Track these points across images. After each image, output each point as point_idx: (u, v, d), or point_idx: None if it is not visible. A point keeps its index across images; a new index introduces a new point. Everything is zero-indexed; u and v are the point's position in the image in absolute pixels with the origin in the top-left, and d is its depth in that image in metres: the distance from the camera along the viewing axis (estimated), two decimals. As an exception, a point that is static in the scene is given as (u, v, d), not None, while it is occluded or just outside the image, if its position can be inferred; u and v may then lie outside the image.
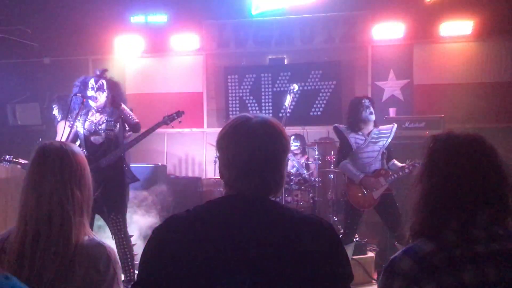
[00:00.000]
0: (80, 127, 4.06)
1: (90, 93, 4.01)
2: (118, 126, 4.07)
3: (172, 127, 4.39)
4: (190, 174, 7.40)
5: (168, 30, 7.28)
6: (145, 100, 7.20)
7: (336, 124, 4.67)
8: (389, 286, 1.37)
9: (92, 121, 4.06)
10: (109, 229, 4.01)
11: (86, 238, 1.66)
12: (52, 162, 1.66)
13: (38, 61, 7.70)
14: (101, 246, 1.66)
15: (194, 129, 7.42)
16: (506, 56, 6.54)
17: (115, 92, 4.11)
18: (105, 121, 4.05)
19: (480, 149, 1.43)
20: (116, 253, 1.73)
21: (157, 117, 6.83)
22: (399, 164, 4.36)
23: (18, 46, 7.42)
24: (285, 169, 1.43)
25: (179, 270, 1.27)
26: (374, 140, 4.42)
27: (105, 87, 4.05)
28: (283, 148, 1.40)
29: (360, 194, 4.39)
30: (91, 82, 4.04)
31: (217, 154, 1.45)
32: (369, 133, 4.44)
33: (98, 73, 4.14)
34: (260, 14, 7.16)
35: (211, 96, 7.49)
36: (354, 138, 4.44)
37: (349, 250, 4.49)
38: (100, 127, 4.04)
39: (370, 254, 5.18)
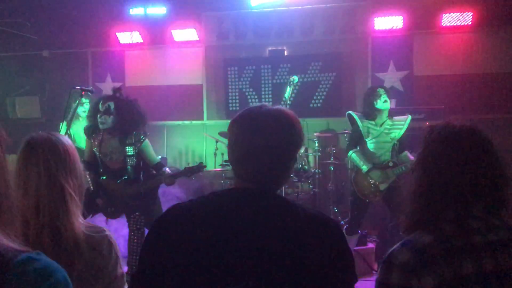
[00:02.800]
0: (97, 147, 3.94)
1: (98, 118, 3.82)
2: (136, 154, 3.89)
3: (192, 178, 4.43)
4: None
5: (167, 22, 7.25)
6: (144, 92, 7.19)
7: (349, 111, 4.61)
8: (387, 278, 1.37)
9: (106, 144, 3.92)
10: (128, 225, 4.00)
11: (84, 225, 1.68)
12: (39, 152, 1.65)
13: (37, 54, 7.67)
14: (101, 231, 1.70)
15: (194, 122, 7.42)
16: (507, 47, 6.51)
17: (124, 115, 3.82)
18: (118, 148, 3.89)
19: (476, 140, 1.43)
20: (113, 236, 1.74)
21: (157, 110, 6.89)
22: (411, 157, 4.30)
23: (17, 39, 7.40)
24: (291, 163, 1.38)
25: (178, 261, 1.26)
26: (386, 131, 4.37)
27: (111, 111, 3.79)
28: (292, 141, 1.36)
29: (366, 185, 4.37)
30: (100, 105, 3.85)
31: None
32: (382, 124, 4.38)
33: (111, 92, 3.94)
34: (259, 5, 7.13)
35: (210, 89, 7.48)
36: (367, 127, 4.39)
37: (353, 241, 4.50)
38: (113, 155, 3.91)
39: (371, 245, 5.20)
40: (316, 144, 5.99)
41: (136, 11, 7.36)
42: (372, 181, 4.34)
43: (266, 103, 1.42)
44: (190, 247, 1.26)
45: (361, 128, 4.40)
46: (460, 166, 1.39)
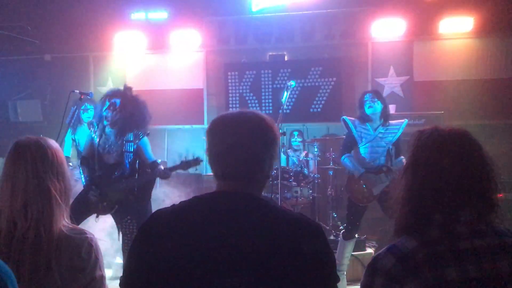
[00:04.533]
0: (96, 138, 3.97)
1: (104, 112, 3.87)
2: (133, 150, 3.91)
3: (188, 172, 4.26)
4: (190, 171, 7.40)
5: (169, 26, 7.29)
6: (146, 97, 7.15)
7: (344, 116, 4.62)
8: (370, 283, 1.37)
9: (106, 137, 3.96)
10: (120, 229, 3.98)
11: (66, 227, 1.70)
12: (26, 155, 1.69)
13: (39, 58, 7.71)
14: (82, 234, 1.72)
15: (194, 126, 7.44)
16: (507, 53, 6.54)
17: (128, 114, 3.88)
18: (118, 142, 3.91)
19: (464, 144, 1.42)
20: (97, 240, 1.76)
21: (158, 114, 6.90)
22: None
23: (19, 43, 7.44)
24: (267, 164, 1.41)
25: (163, 266, 1.28)
26: (381, 135, 4.36)
27: (117, 106, 3.85)
28: (267, 141, 1.40)
29: (359, 189, 4.37)
30: (107, 98, 3.91)
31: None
32: (376, 128, 4.39)
33: (121, 89, 3.99)
34: (260, 10, 7.17)
35: (211, 93, 7.51)
36: (361, 132, 4.39)
37: (350, 246, 4.50)
38: (113, 147, 3.93)
39: (369, 250, 5.20)
40: (316, 149, 6.00)
41: (137, 15, 7.39)
42: (364, 186, 4.33)
43: (240, 109, 1.50)
44: (173, 252, 1.28)
45: (354, 133, 4.42)
46: (448, 171, 1.38)
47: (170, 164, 7.18)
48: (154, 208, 5.35)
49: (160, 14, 7.33)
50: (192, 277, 1.25)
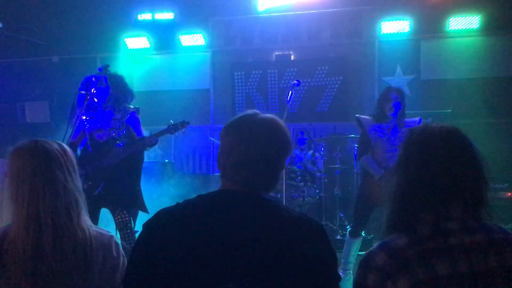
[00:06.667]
0: (87, 123, 4.05)
1: (92, 90, 3.95)
2: (124, 125, 4.01)
3: (175, 136, 4.20)
4: (197, 171, 7.44)
5: (175, 27, 7.31)
6: (152, 97, 7.24)
7: (358, 115, 4.57)
8: (363, 280, 1.38)
9: (98, 118, 4.05)
10: (115, 224, 3.97)
11: (94, 228, 1.72)
12: (41, 158, 1.68)
13: (47, 60, 7.77)
14: (109, 234, 1.74)
15: (201, 126, 7.45)
16: (515, 50, 6.50)
17: (117, 87, 4.04)
18: (110, 119, 4.01)
19: (454, 141, 1.43)
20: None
21: (165, 114, 6.93)
22: None
23: (27, 45, 7.49)
24: (281, 171, 1.43)
25: (168, 265, 1.28)
26: (394, 135, 4.32)
27: (105, 83, 3.99)
28: (283, 150, 1.41)
29: (377, 189, 4.34)
30: (92, 79, 4.00)
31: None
32: (391, 127, 4.33)
33: (99, 69, 4.11)
34: (266, 10, 7.17)
35: (218, 93, 7.52)
36: (375, 131, 4.32)
37: (357, 244, 4.48)
38: (104, 125, 4.01)
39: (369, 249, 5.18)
40: (322, 149, 5.99)
41: (144, 16, 7.42)
42: (384, 187, 4.29)
43: (258, 111, 1.45)
44: (178, 251, 1.29)
45: (368, 132, 4.37)
46: (438, 168, 1.39)
47: (177, 165, 7.25)
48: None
49: (166, 15, 7.35)
50: (196, 276, 1.25)
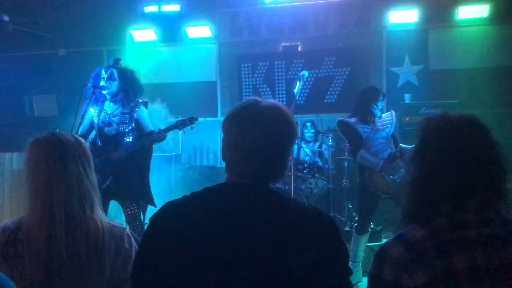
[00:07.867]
0: (96, 117, 4.07)
1: (101, 83, 4.01)
2: (133, 119, 4.03)
3: (184, 132, 4.18)
4: (205, 163, 7.45)
5: (182, 19, 7.28)
6: (159, 90, 7.23)
7: (340, 118, 4.65)
8: (379, 273, 1.35)
9: (107, 112, 4.07)
10: (125, 217, 4.02)
11: (107, 220, 1.75)
12: (56, 150, 1.70)
13: (54, 53, 7.77)
14: (121, 226, 1.78)
15: (208, 118, 7.44)
16: (524, 39, 6.41)
17: (126, 81, 4.06)
18: (119, 113, 4.03)
19: (473, 130, 1.38)
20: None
21: (172, 107, 6.93)
22: (409, 146, 4.31)
23: (33, 38, 7.51)
24: (288, 158, 1.40)
25: (176, 259, 1.27)
26: (379, 127, 4.44)
27: (115, 77, 4.02)
28: (289, 136, 1.37)
29: (382, 180, 4.36)
30: (102, 72, 4.05)
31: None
32: (373, 128, 4.47)
33: (111, 62, 4.14)
34: (273, 1, 7.13)
35: (225, 85, 7.50)
36: (362, 128, 4.45)
37: (364, 240, 4.49)
38: (113, 119, 4.04)
39: (385, 241, 5.16)
40: (330, 140, 5.96)
41: (150, 9, 7.39)
42: (385, 176, 4.33)
43: (259, 98, 1.40)
44: (185, 243, 1.27)
45: (359, 131, 4.45)
46: (457, 158, 1.36)
47: (184, 157, 7.25)
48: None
49: (173, 7, 7.31)
50: (203, 269, 1.24)
